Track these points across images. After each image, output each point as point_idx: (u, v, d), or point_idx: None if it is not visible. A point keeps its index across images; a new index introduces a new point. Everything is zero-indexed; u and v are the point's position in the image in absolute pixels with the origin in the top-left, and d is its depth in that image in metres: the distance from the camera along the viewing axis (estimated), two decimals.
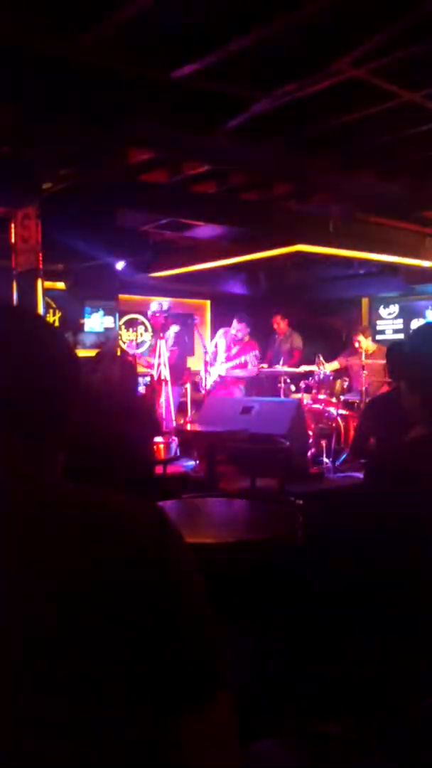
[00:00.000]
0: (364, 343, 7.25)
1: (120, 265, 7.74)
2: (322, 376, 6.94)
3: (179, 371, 7.40)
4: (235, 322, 7.50)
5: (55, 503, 0.89)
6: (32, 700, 0.80)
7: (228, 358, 7.45)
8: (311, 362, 7.29)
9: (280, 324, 8.43)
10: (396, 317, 10.20)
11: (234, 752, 0.91)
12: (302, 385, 7.23)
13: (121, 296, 8.82)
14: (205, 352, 7.45)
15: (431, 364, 1.46)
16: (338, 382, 7.05)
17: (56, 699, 0.81)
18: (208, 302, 10.54)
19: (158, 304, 7.31)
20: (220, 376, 7.36)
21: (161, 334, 7.12)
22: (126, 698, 0.84)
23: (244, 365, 7.37)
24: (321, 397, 6.82)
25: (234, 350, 7.45)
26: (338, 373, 7.44)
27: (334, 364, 7.53)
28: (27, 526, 0.86)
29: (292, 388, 7.48)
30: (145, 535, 0.90)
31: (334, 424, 6.41)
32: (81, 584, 0.84)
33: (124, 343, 9.29)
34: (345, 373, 7.58)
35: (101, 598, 0.84)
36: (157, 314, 7.19)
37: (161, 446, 5.99)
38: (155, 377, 7.03)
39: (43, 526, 0.86)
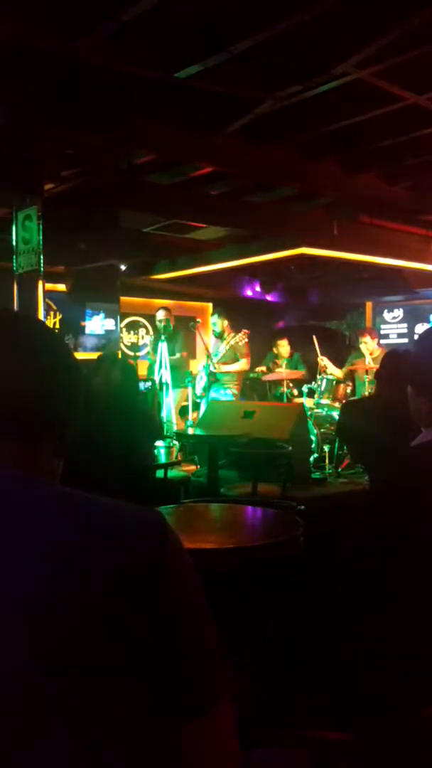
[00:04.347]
0: (371, 344, 7.20)
1: (122, 267, 7.73)
2: (325, 382, 6.90)
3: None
4: (216, 317, 7.53)
5: (52, 508, 0.88)
6: (33, 710, 0.79)
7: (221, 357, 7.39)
8: (314, 372, 7.27)
9: (285, 347, 8.07)
10: (400, 321, 10.17)
11: (234, 759, 0.91)
12: (305, 389, 7.19)
13: (123, 298, 8.80)
14: (207, 355, 7.38)
15: None
16: (341, 387, 7.01)
17: (56, 710, 0.80)
18: (210, 305, 10.53)
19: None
20: (213, 374, 7.25)
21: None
22: (125, 708, 0.83)
23: (235, 360, 7.35)
24: (324, 401, 6.78)
25: (226, 348, 7.38)
26: (343, 377, 7.39)
27: (343, 370, 7.45)
28: (23, 531, 0.85)
29: (295, 392, 7.44)
30: (145, 541, 0.89)
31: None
32: (78, 591, 0.83)
33: (125, 345, 9.27)
34: (350, 377, 7.54)
35: (98, 604, 0.83)
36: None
37: (162, 450, 5.98)
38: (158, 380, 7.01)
39: (39, 532, 0.85)
